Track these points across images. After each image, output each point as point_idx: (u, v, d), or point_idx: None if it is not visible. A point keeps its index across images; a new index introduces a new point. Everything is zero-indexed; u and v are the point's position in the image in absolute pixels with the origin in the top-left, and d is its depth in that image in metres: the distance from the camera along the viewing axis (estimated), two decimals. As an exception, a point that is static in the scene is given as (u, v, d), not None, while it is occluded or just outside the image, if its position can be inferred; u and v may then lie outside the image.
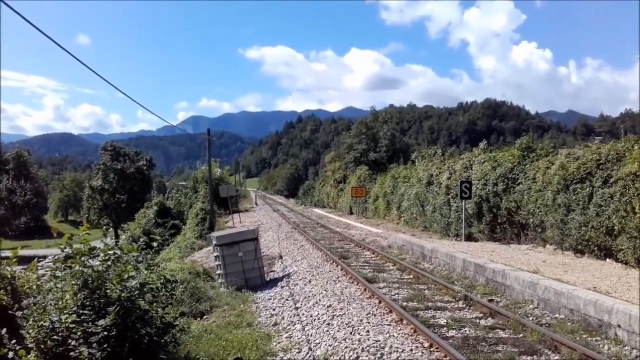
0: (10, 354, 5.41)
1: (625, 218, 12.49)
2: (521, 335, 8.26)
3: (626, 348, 7.47)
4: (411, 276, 13.66)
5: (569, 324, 8.68)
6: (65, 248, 6.39)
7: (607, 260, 13.34)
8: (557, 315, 9.27)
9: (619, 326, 7.80)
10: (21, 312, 5.86)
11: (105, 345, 5.51)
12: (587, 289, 9.34)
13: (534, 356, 7.39)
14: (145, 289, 6.35)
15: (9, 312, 6.09)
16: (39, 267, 7.46)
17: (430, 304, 10.47)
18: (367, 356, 7.34)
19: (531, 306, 9.98)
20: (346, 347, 7.71)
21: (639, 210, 11.99)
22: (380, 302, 10.49)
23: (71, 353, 5.41)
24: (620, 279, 10.65)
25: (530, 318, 9.21)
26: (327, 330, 8.72)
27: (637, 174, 12.33)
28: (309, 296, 11.49)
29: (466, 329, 8.73)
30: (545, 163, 16.54)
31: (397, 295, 11.26)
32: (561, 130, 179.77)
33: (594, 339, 7.94)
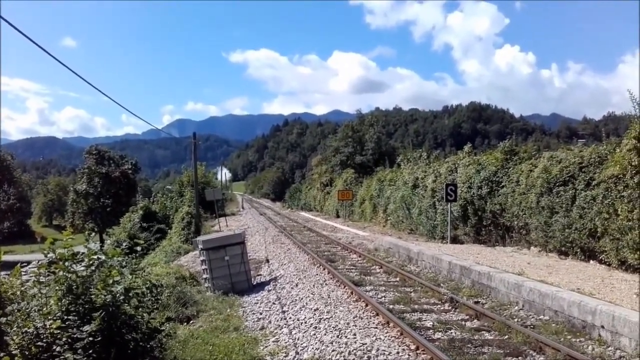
0: (-6, 361, 5.35)
1: (607, 220, 12.65)
2: (506, 336, 8.33)
3: (610, 349, 7.57)
4: (397, 279, 13.71)
5: (553, 325, 8.78)
6: (48, 253, 6.34)
7: (591, 261, 13.50)
8: (541, 316, 9.36)
9: (602, 327, 7.90)
10: (5, 318, 5.79)
11: (90, 351, 5.47)
12: (571, 291, 9.44)
13: (519, 357, 7.45)
14: (130, 294, 6.32)
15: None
16: (23, 273, 7.37)
17: (416, 306, 10.52)
18: (354, 359, 7.37)
19: (516, 308, 10.07)
20: (333, 351, 7.72)
21: (621, 212, 12.15)
22: (367, 305, 10.52)
23: (56, 359, 5.37)
24: (604, 280, 10.79)
25: (515, 320, 9.29)
26: (314, 334, 8.72)
27: (619, 176, 12.50)
28: (295, 300, 11.49)
29: (452, 331, 8.79)
30: (529, 166, 16.71)
31: (383, 298, 11.30)
32: (545, 133, 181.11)
33: (578, 339, 8.03)
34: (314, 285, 12.83)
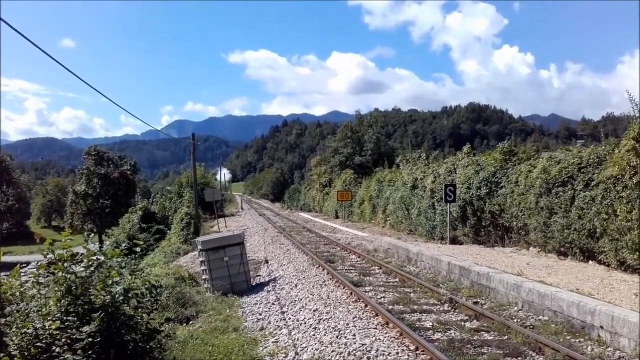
0: (-7, 362, 5.35)
1: (606, 221, 12.66)
2: (506, 337, 8.33)
3: (609, 349, 7.58)
4: (397, 279, 13.71)
5: (552, 325, 8.78)
6: (47, 254, 6.33)
7: (590, 262, 13.51)
8: (540, 317, 9.37)
9: (601, 327, 7.91)
10: (4, 319, 5.79)
11: (90, 352, 5.46)
12: (570, 291, 9.45)
13: (519, 358, 7.45)
14: (129, 295, 6.31)
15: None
16: (22, 273, 7.36)
17: (416, 307, 10.52)
18: (353, 359, 7.37)
19: (515, 308, 10.07)
20: (333, 351, 7.72)
21: (620, 213, 12.16)
22: (366, 306, 10.52)
23: (55, 360, 5.37)
24: (603, 280, 10.80)
25: (515, 320, 9.29)
26: (314, 334, 8.72)
27: (618, 177, 12.51)
28: (295, 300, 11.48)
29: (451, 331, 8.79)
30: (527, 167, 16.71)
31: (383, 299, 11.29)
32: (544, 133, 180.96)
33: (577, 340, 8.03)
34: (313, 286, 12.83)
